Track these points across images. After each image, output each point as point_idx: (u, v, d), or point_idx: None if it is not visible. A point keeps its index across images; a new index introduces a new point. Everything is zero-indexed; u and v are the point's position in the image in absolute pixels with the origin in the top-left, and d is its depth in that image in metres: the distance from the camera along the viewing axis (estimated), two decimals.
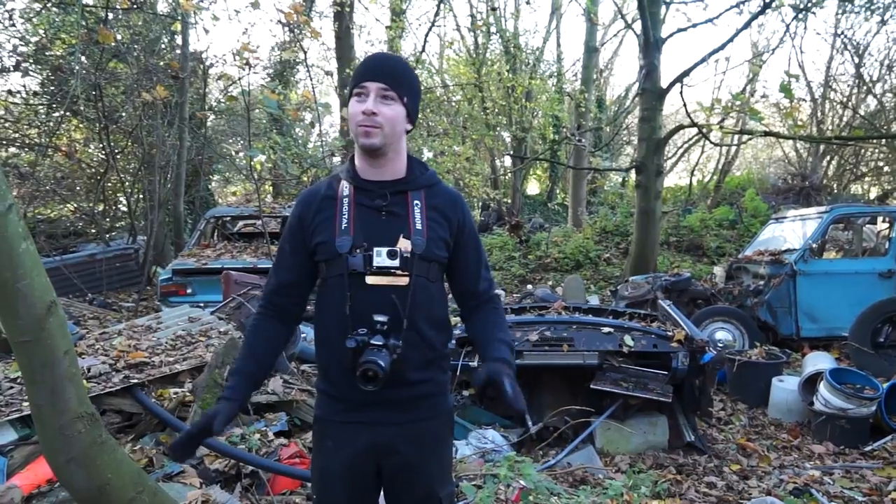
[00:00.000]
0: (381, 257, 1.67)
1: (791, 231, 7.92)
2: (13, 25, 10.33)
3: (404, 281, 1.69)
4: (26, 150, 11.68)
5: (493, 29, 17.42)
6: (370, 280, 1.68)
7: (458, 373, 4.50)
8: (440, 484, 1.82)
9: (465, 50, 19.37)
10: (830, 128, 17.66)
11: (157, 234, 10.86)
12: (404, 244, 1.69)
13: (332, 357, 1.74)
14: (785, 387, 5.52)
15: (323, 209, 1.76)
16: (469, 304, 1.89)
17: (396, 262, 1.68)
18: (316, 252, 1.75)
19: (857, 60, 16.63)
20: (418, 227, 1.72)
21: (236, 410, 1.75)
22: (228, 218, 9.51)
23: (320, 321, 1.79)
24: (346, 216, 1.72)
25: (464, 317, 1.92)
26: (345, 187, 1.76)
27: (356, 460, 1.74)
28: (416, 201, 1.75)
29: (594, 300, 9.71)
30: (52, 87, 11.04)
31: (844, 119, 17.51)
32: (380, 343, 1.62)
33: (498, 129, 18.62)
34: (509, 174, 20.20)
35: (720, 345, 6.60)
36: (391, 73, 1.69)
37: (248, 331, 1.87)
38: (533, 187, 26.62)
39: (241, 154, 17.33)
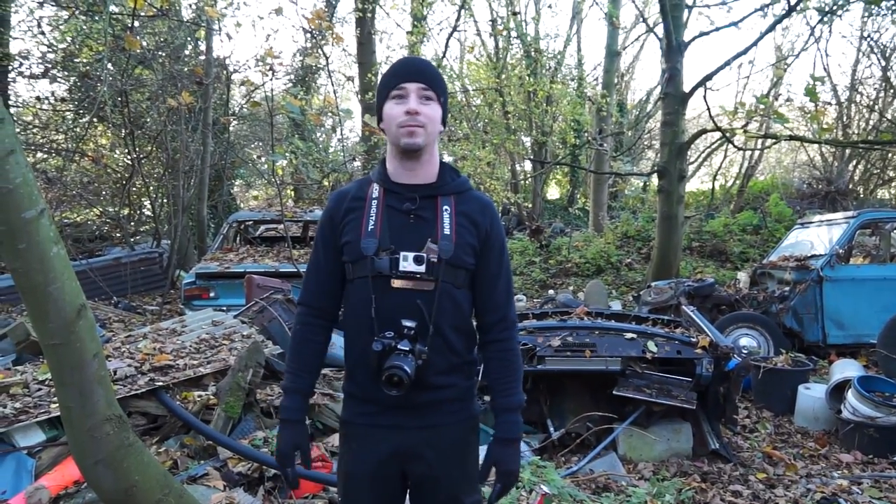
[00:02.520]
0: (407, 262, 1.67)
1: (817, 236, 7.80)
2: (42, 33, 10.55)
3: (430, 286, 1.68)
4: (54, 155, 11.89)
5: (513, 33, 17.39)
6: (395, 283, 1.68)
7: (479, 378, 4.48)
8: (465, 491, 1.80)
9: (486, 54, 19.37)
10: (856, 131, 17.38)
11: (180, 238, 10.98)
12: (431, 249, 1.68)
13: (358, 359, 1.74)
14: (811, 394, 5.43)
15: (352, 209, 1.76)
16: (484, 319, 1.82)
17: (423, 269, 1.66)
18: (343, 252, 1.76)
19: (883, 63, 16.38)
20: (447, 232, 1.70)
21: (306, 430, 1.83)
22: (251, 222, 9.59)
23: (347, 323, 1.79)
24: (373, 218, 1.71)
25: (480, 336, 1.86)
26: (375, 189, 1.76)
27: (381, 464, 1.74)
28: (445, 206, 1.73)
29: (616, 305, 9.63)
30: (79, 94, 11.24)
31: (871, 122, 17.23)
32: (406, 348, 1.62)
33: (518, 133, 18.56)
34: (530, 178, 20.14)
35: (745, 351, 6.48)
36: (429, 74, 1.72)
37: (294, 342, 1.86)
38: (553, 192, 26.52)
39: (263, 159, 17.49)
